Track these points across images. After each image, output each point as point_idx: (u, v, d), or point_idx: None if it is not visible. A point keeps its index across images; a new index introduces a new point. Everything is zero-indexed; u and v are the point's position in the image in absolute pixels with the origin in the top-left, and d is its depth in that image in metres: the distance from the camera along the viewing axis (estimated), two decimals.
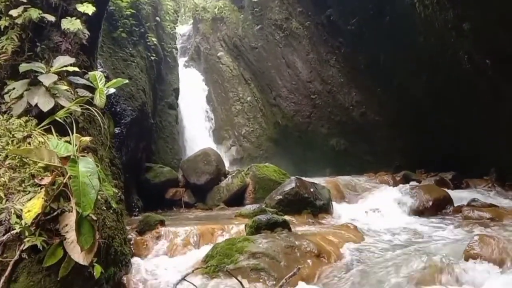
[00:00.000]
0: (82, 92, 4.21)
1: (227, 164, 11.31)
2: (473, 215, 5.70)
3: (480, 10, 6.48)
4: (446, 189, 7.07)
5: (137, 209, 7.13)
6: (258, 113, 13.33)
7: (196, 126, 12.58)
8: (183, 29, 15.57)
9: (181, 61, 13.58)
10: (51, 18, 4.17)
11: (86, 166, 3.20)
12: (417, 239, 4.58)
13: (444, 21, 7.21)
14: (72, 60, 4.06)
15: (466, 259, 3.57)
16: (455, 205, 6.39)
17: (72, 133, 3.57)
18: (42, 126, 3.69)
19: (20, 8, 3.99)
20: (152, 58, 8.81)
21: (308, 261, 3.82)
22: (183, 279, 2.62)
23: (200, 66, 14.30)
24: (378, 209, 6.32)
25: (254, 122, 13.32)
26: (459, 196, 6.96)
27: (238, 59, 13.39)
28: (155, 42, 8.89)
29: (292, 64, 11.94)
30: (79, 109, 3.93)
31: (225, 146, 13.45)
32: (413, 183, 7.78)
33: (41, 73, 3.87)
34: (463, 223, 5.36)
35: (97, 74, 4.33)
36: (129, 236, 4.54)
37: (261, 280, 3.62)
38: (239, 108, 13.45)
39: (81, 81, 4.30)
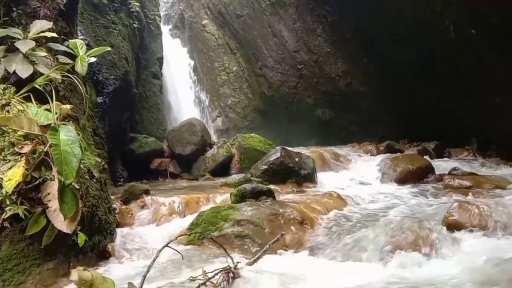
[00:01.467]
0: (63, 59, 4.09)
1: (213, 135, 11.29)
2: (454, 183, 5.83)
3: None
4: (428, 159, 7.19)
5: (122, 179, 7.11)
6: (244, 84, 13.21)
7: (181, 96, 12.43)
8: None
9: (165, 29, 13.26)
10: None
11: (67, 134, 3.14)
12: (398, 206, 4.67)
13: None
14: (50, 24, 3.92)
15: (445, 225, 3.66)
16: (437, 174, 6.51)
17: (52, 101, 3.49)
18: (21, 94, 3.60)
19: None
20: (135, 25, 8.58)
21: (292, 227, 3.88)
22: (167, 245, 2.65)
23: (185, 34, 14.00)
24: (361, 177, 6.42)
25: (240, 93, 13.22)
26: (441, 165, 7.10)
27: (224, 27, 13.14)
28: (137, 9, 8.65)
29: (278, 33, 11.77)
30: (59, 77, 3.83)
31: (211, 116, 13.37)
32: (396, 152, 7.87)
33: (18, 39, 3.73)
34: (443, 191, 5.49)
35: (78, 42, 4.20)
36: (114, 205, 4.54)
37: (245, 246, 3.68)
38: (225, 78, 13.31)
39: (61, 47, 4.17)
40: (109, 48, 4.70)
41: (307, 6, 11.01)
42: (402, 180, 6.27)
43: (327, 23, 10.82)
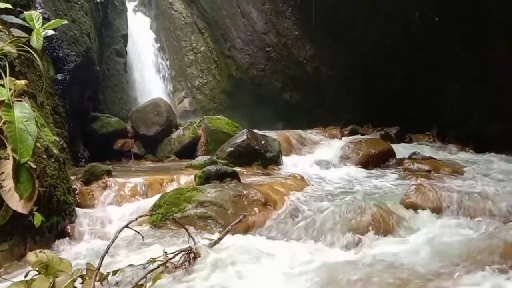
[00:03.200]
0: (18, 32, 3.89)
1: (179, 116, 11.12)
2: (413, 167, 6.04)
3: None
4: (390, 143, 7.39)
5: (84, 160, 6.92)
6: (212, 65, 13.03)
7: (146, 76, 12.14)
8: None
9: (130, 5, 12.82)
10: None
11: (22, 111, 3.00)
12: (359, 188, 4.81)
13: None
14: None
15: (403, 207, 3.80)
16: (398, 158, 6.71)
17: (6, 76, 3.32)
18: None
19: None
20: (98, 0, 8.25)
21: (255, 209, 3.92)
22: (126, 226, 2.60)
23: (151, 12, 13.60)
24: (325, 160, 6.52)
25: (208, 74, 13.04)
26: (402, 150, 7.32)
27: (191, 6, 12.84)
28: None
29: (247, 14, 11.64)
30: (14, 50, 3.64)
31: (177, 97, 13.15)
32: (360, 136, 8.04)
33: None
34: (403, 174, 5.68)
35: (34, 14, 4.00)
36: (74, 186, 4.43)
37: (208, 228, 3.69)
38: (192, 58, 13.08)
39: (16, 20, 3.97)
40: (66, 21, 4.49)
41: None
42: (364, 164, 6.42)
43: (296, 6, 10.80)
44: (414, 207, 3.83)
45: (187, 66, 13.09)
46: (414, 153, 6.68)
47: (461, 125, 8.24)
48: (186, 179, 5.12)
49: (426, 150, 7.56)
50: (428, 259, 2.78)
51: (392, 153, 6.77)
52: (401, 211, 3.70)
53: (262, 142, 6.54)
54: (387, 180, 5.34)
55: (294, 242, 3.40)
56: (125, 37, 10.33)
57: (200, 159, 6.23)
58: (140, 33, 12.30)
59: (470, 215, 3.65)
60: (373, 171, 6.08)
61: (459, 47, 7.62)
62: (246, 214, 3.60)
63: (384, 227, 3.44)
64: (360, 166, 6.32)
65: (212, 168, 4.82)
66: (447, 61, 7.82)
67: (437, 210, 3.81)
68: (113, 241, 2.41)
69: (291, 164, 6.48)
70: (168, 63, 13.20)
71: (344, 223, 3.41)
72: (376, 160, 6.53)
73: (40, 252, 2.48)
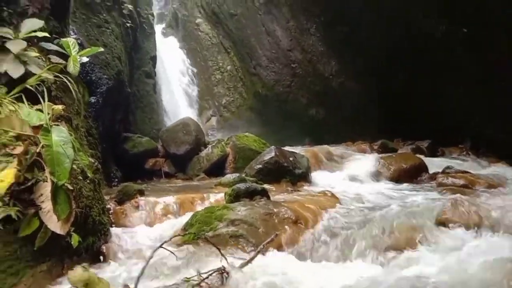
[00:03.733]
0: (55, 59, 4.06)
1: (207, 134, 11.27)
2: (447, 181, 5.86)
3: None
4: (421, 157, 7.23)
5: (116, 179, 7.08)
6: (238, 83, 13.20)
7: (175, 96, 12.39)
8: None
9: (158, 28, 13.21)
10: None
11: (60, 135, 3.12)
12: (392, 205, 4.68)
13: None
14: (40, 23, 3.89)
15: (439, 224, 3.68)
16: (430, 172, 6.54)
17: (44, 101, 3.46)
18: (13, 94, 3.56)
19: None
20: (128, 24, 8.55)
21: (286, 227, 3.88)
22: (161, 246, 2.64)
23: (178, 33, 13.95)
24: (355, 176, 6.43)
25: (234, 92, 13.20)
26: (435, 163, 7.13)
27: (217, 26, 13.11)
28: (130, 8, 8.62)
29: (272, 32, 11.77)
30: (51, 77, 3.80)
31: (205, 116, 13.33)
32: (390, 152, 7.90)
33: (9, 39, 3.70)
34: (437, 190, 5.52)
35: (70, 41, 4.18)
36: (108, 206, 4.52)
37: (239, 246, 3.68)
38: (219, 77, 13.28)
39: (53, 47, 4.14)
40: (101, 49, 4.68)
41: (301, 5, 11.02)
42: (396, 179, 6.29)
43: (321, 22, 10.84)
44: (450, 223, 3.70)
45: (214, 85, 13.30)
46: (448, 167, 6.50)
47: (495, 138, 8.01)
48: (216, 197, 5.16)
49: (459, 163, 7.34)
50: (465, 279, 2.68)
51: (424, 168, 6.62)
52: (437, 228, 3.59)
53: (291, 158, 6.53)
54: (421, 196, 5.19)
55: (326, 262, 3.34)
56: (154, 59, 10.62)
57: (229, 177, 6.27)
58: (168, 54, 12.62)
59: None
60: (405, 186, 5.94)
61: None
62: (278, 233, 3.58)
63: (419, 245, 3.35)
64: (392, 181, 6.21)
65: (242, 186, 4.84)
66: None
67: (474, 227, 3.67)
68: (148, 262, 2.44)
69: (320, 180, 6.42)
70: (195, 82, 13.45)
71: (378, 242, 3.34)
72: (408, 175, 6.39)
73: (83, 267, 2.54)
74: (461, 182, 5.77)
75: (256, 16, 11.93)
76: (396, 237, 3.30)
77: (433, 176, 6.33)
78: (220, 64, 13.21)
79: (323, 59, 11.17)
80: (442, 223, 3.71)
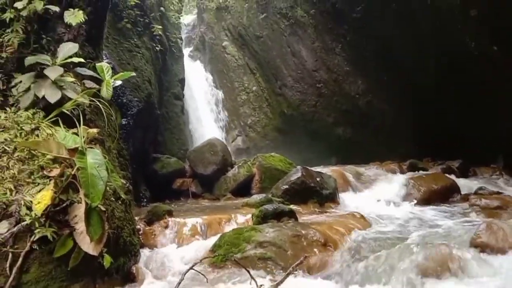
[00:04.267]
0: (89, 83, 4.23)
1: (233, 154, 11.33)
2: (480, 203, 5.69)
3: None
4: (452, 177, 7.05)
5: (145, 200, 7.19)
6: (264, 103, 13.29)
7: (201, 116, 12.58)
8: (187, 19, 15.48)
9: (186, 51, 13.54)
10: (55, 8, 4.16)
11: (94, 157, 3.23)
12: (423, 227, 4.59)
13: (450, 6, 7.12)
14: (76, 47, 4.07)
15: (473, 247, 3.57)
16: (462, 193, 6.37)
17: (80, 125, 3.60)
18: (50, 118, 3.72)
19: (25, 0, 3.99)
20: (157, 48, 8.80)
21: (315, 249, 3.85)
22: (191, 268, 2.66)
23: (205, 56, 14.24)
24: (384, 198, 6.32)
25: (259, 112, 13.28)
26: (466, 184, 6.95)
27: (243, 48, 13.32)
28: (160, 33, 8.88)
29: (297, 53, 11.86)
30: (86, 101, 3.95)
31: (231, 136, 13.45)
32: (420, 171, 7.75)
33: (47, 65, 3.89)
34: (470, 211, 5.36)
35: (104, 66, 4.34)
36: (138, 226, 4.59)
37: (268, 269, 3.66)
38: (245, 98, 13.42)
39: (88, 72, 4.32)
40: (134, 73, 4.83)
41: (326, 26, 11.10)
42: (426, 200, 6.15)
43: (346, 42, 10.87)
44: (485, 247, 3.58)
45: (239, 105, 13.43)
46: (481, 188, 6.31)
47: None
48: (243, 218, 5.16)
49: (493, 184, 7.12)
50: None
51: (456, 188, 6.45)
52: (471, 252, 3.47)
53: (318, 179, 6.49)
54: (453, 218, 5.06)
55: (356, 285, 3.27)
56: (182, 81, 10.85)
57: (256, 197, 6.27)
58: (196, 76, 12.87)
59: None
60: (436, 207, 5.80)
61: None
62: (306, 256, 3.54)
63: (453, 269, 3.24)
64: (422, 202, 6.06)
65: (269, 207, 4.83)
66: (506, 89, 7.53)
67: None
68: (179, 283, 2.46)
69: (348, 201, 6.34)
70: (221, 103, 13.63)
71: (409, 267, 3.25)
72: (439, 196, 6.24)
73: None
74: (495, 203, 5.59)
75: (281, 38, 12.07)
76: (429, 263, 3.20)
77: (466, 197, 6.16)
78: (246, 85, 13.36)
79: (349, 79, 11.15)
80: (477, 247, 3.59)
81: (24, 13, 3.98)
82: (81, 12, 4.31)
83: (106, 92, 4.02)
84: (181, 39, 11.42)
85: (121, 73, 4.27)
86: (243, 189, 7.96)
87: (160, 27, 9.01)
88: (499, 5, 6.41)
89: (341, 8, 10.36)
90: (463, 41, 7.49)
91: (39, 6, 3.99)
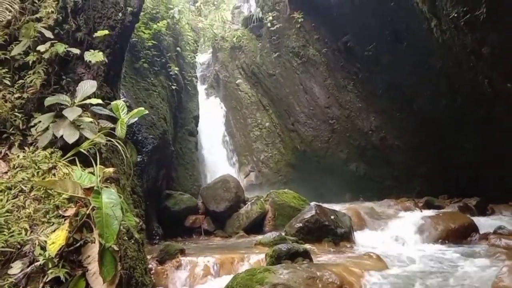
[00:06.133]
0: (104, 123, 4.32)
1: (246, 190, 11.30)
2: (500, 243, 5.53)
3: (499, 34, 6.45)
4: (470, 216, 6.89)
5: (157, 237, 7.15)
6: (277, 139, 13.37)
7: (215, 152, 12.67)
8: (202, 57, 15.91)
9: (201, 88, 13.82)
10: (76, 51, 4.32)
11: (110, 197, 3.25)
12: (442, 269, 4.44)
13: (462, 45, 7.18)
14: (94, 85, 4.19)
15: None
16: (481, 232, 6.19)
17: (96, 164, 3.64)
18: (67, 158, 3.78)
19: (48, 44, 4.15)
20: (173, 87, 9.00)
21: None
22: None
23: (219, 93, 14.51)
24: (401, 237, 6.18)
25: (272, 148, 13.34)
26: (485, 223, 6.76)
27: (256, 86, 13.56)
28: (176, 72, 9.10)
29: (309, 90, 12.02)
30: (103, 141, 4.02)
31: (244, 171, 13.46)
32: (436, 210, 7.59)
33: (66, 105, 3.99)
34: (489, 252, 5.19)
35: (119, 104, 4.43)
36: (150, 266, 4.55)
37: None
38: (258, 133, 13.53)
39: (104, 111, 4.41)
40: (147, 111, 4.91)
41: (338, 63, 11.28)
42: (444, 239, 6.00)
43: (358, 79, 10.99)
44: None
45: (252, 141, 13.52)
46: (500, 227, 6.13)
47: None
48: (256, 257, 5.08)
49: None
50: None
51: (474, 227, 6.28)
52: None
53: (332, 217, 6.40)
54: (472, 259, 4.89)
55: None
56: (196, 118, 11.02)
57: (269, 236, 6.19)
58: (210, 113, 13.08)
59: None
60: (454, 248, 5.63)
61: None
62: None
63: None
64: (439, 242, 5.92)
65: (283, 247, 4.75)
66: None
67: None
68: None
69: (364, 240, 6.21)
70: (235, 139, 13.75)
71: None
72: (457, 236, 6.08)
73: None
74: None
75: (293, 75, 12.27)
76: None
77: (485, 237, 5.99)
78: (259, 121, 13.50)
79: (362, 115, 11.20)
80: None
81: (46, 56, 4.13)
82: (101, 53, 4.47)
83: (120, 131, 4.09)
84: (196, 77, 11.69)
85: (135, 111, 4.34)
86: (256, 227, 7.88)
87: (176, 67, 9.25)
88: (511, 43, 6.45)
89: (353, 47, 10.55)
90: (476, 79, 7.50)
91: (60, 49, 4.15)
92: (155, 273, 4.60)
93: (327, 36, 11.34)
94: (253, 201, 8.42)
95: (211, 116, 13.13)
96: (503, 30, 6.32)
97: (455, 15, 6.67)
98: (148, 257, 4.76)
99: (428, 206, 8.17)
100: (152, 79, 8.04)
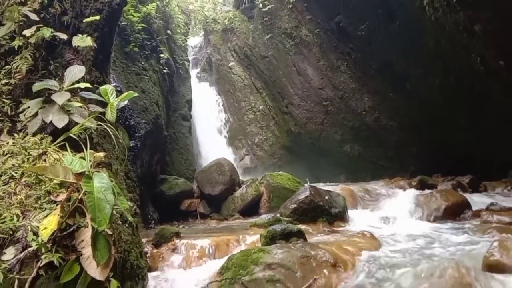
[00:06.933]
0: (93, 107, 4.27)
1: (241, 173, 11.33)
2: (492, 219, 5.59)
3: (492, 11, 6.41)
4: (463, 193, 6.95)
5: (153, 221, 7.18)
6: (271, 122, 13.35)
7: (209, 136, 12.64)
8: (194, 41, 15.74)
9: (193, 72, 13.71)
10: (63, 36, 4.26)
11: (101, 181, 3.23)
12: (435, 246, 4.49)
13: (455, 23, 7.13)
14: (82, 70, 4.13)
15: (486, 267, 3.48)
16: (474, 209, 6.26)
17: (86, 149, 3.62)
18: (57, 143, 3.76)
19: (33, 28, 4.08)
20: (165, 71, 8.91)
21: (324, 271, 3.77)
22: None
23: (212, 76, 14.41)
24: (394, 215, 6.23)
25: (267, 131, 13.34)
26: (477, 200, 6.82)
27: (249, 68, 13.46)
28: (167, 56, 9.00)
29: (303, 71, 11.95)
30: (93, 125, 3.99)
31: (238, 155, 13.47)
32: (430, 188, 7.65)
33: (55, 90, 3.94)
34: (482, 228, 5.25)
35: (108, 88, 4.37)
36: (145, 249, 4.56)
37: None
38: (252, 117, 13.50)
39: (93, 96, 4.36)
40: (136, 94, 4.85)
41: (331, 44, 11.19)
42: (437, 217, 6.05)
43: (351, 60, 10.92)
44: (498, 266, 3.49)
45: (247, 125, 13.50)
46: (492, 204, 6.19)
47: None
48: (251, 239, 5.10)
49: (504, 199, 6.98)
50: None
51: (467, 205, 6.33)
52: (484, 272, 3.39)
53: (326, 197, 6.42)
54: (465, 235, 4.95)
55: None
56: (189, 102, 10.96)
57: (264, 217, 6.23)
58: (203, 97, 13.00)
59: None
60: (448, 225, 5.69)
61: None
62: (316, 277, 3.48)
63: None
64: (433, 220, 5.97)
65: (277, 227, 4.78)
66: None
67: None
68: None
69: (358, 220, 6.25)
70: (229, 122, 13.71)
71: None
72: (450, 213, 6.13)
73: None
74: (507, 219, 5.48)
75: (286, 57, 12.18)
76: (441, 282, 3.12)
77: (477, 214, 6.05)
78: (253, 104, 13.46)
79: (355, 96, 11.17)
80: (489, 265, 3.50)
81: (32, 40, 4.06)
82: (89, 37, 4.39)
83: (110, 115, 4.04)
84: (188, 61, 11.59)
85: (124, 94, 4.28)
86: (251, 209, 7.92)
87: (167, 50, 9.14)
88: (504, 20, 6.41)
89: (346, 27, 10.45)
90: (469, 57, 7.47)
91: (47, 33, 4.08)
92: (151, 256, 4.62)
93: (320, 17, 11.22)
94: (248, 184, 8.44)
95: (204, 99, 13.06)
96: (494, 7, 6.28)
97: None
98: (144, 240, 4.77)
99: (421, 185, 8.21)
100: (143, 63, 7.95)
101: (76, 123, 3.85)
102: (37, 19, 4.11)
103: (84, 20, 4.52)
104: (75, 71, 4.18)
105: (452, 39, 7.67)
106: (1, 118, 3.81)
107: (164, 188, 8.08)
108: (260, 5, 12.22)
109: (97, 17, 4.53)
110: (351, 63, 10.96)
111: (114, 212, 3.53)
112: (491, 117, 8.09)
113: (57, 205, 3.19)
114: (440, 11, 7.33)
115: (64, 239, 3.12)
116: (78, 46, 4.33)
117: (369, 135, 11.11)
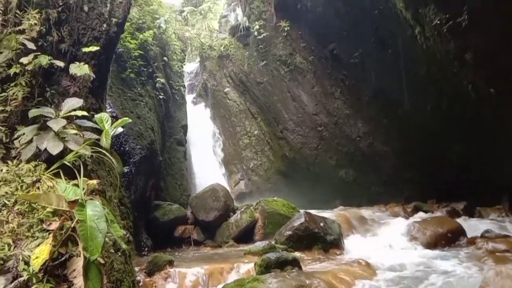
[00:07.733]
0: (88, 134, 4.27)
1: (236, 198, 11.27)
2: (487, 247, 5.58)
3: (482, 40, 6.56)
4: (458, 220, 6.96)
5: (146, 248, 7.08)
6: (266, 146, 13.38)
7: (204, 161, 12.63)
8: (190, 66, 15.91)
9: (189, 97, 13.81)
10: (60, 63, 4.29)
11: (94, 209, 3.21)
12: (430, 274, 4.46)
13: (446, 52, 7.28)
14: (80, 101, 4.15)
15: None
16: (469, 236, 6.25)
17: (80, 176, 3.61)
18: (51, 170, 3.74)
19: (31, 56, 4.11)
20: (161, 97, 8.98)
21: None
22: None
23: (208, 102, 14.51)
24: (389, 243, 6.21)
25: (262, 155, 13.35)
26: (472, 226, 6.82)
27: (245, 94, 13.58)
28: (163, 81, 9.08)
29: (297, 97, 12.07)
30: (88, 152, 3.98)
31: (233, 180, 13.43)
32: (425, 214, 7.64)
33: (51, 117, 3.95)
34: (477, 256, 5.24)
35: (103, 116, 4.38)
36: (138, 278, 4.49)
37: None
38: (247, 142, 13.53)
39: (88, 123, 4.37)
40: (130, 120, 4.87)
41: (325, 71, 11.35)
42: (432, 244, 6.04)
43: (345, 86, 11.06)
44: None
45: (242, 149, 13.52)
46: (487, 231, 6.20)
47: None
48: (246, 267, 5.05)
49: (499, 226, 6.98)
50: None
51: (462, 232, 6.34)
52: None
53: (321, 224, 6.40)
54: (460, 264, 4.94)
55: None
56: (185, 127, 10.99)
57: (259, 244, 6.17)
58: (198, 122, 13.05)
59: None
60: (443, 252, 5.67)
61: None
62: None
63: None
64: (428, 247, 5.95)
65: (272, 256, 4.74)
66: (507, 131, 7.58)
67: None
68: None
69: (353, 247, 6.23)
70: (224, 147, 13.74)
71: None
72: (445, 240, 6.12)
73: None
74: (503, 247, 5.48)
75: (281, 83, 12.32)
76: None
77: (472, 241, 6.05)
78: (248, 129, 13.52)
79: (350, 122, 11.26)
80: None
81: (29, 68, 4.09)
82: (86, 65, 4.44)
83: (105, 142, 4.05)
84: (184, 86, 11.68)
85: (119, 121, 4.30)
86: (246, 235, 7.85)
87: (163, 76, 9.23)
88: (493, 49, 6.56)
89: (339, 54, 10.64)
90: (460, 84, 7.60)
91: (44, 61, 4.11)
92: (143, 285, 4.55)
93: (314, 44, 11.41)
94: (242, 210, 8.39)
95: (200, 125, 13.11)
96: (484, 36, 6.44)
97: (438, 22, 6.77)
98: (136, 269, 4.71)
99: (416, 211, 8.22)
100: (139, 89, 8.01)
101: (71, 150, 3.85)
102: (35, 48, 4.14)
103: (83, 49, 4.58)
104: (73, 102, 4.21)
105: (443, 67, 7.82)
106: None
107: (158, 214, 8.01)
108: (256, 33, 12.44)
109: (96, 48, 4.58)
110: (345, 90, 11.10)
111: (107, 240, 3.50)
112: (483, 142, 8.17)
113: (49, 233, 3.15)
114: (431, 40, 7.50)
115: (56, 269, 3.07)
116: (75, 74, 4.36)
117: (364, 160, 11.15)
